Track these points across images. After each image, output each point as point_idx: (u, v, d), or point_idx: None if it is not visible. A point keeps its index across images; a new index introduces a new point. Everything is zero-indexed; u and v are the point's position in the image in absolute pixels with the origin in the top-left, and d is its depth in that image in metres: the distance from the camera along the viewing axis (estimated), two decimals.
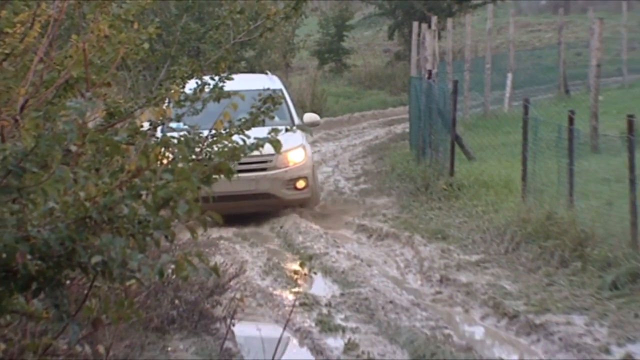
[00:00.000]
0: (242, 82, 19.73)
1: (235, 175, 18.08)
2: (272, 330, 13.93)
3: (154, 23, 8.80)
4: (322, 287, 16.52)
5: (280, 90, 21.79)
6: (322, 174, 29.66)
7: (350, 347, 13.45)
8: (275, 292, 16.34)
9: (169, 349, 12.83)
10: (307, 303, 15.47)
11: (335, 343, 13.74)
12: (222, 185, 18.06)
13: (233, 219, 20.19)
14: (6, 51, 7.15)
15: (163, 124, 8.44)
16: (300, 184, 20.02)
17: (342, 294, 15.98)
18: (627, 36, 42.39)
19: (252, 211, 20.10)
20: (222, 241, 19.56)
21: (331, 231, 21.60)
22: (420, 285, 16.80)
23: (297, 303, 15.12)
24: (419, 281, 17.12)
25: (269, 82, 22.15)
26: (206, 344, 13.09)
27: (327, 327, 14.39)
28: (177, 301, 13.37)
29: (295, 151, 20.31)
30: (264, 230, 21.36)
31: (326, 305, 15.45)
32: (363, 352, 13.25)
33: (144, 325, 11.73)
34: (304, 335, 14.08)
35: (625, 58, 40.91)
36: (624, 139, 16.72)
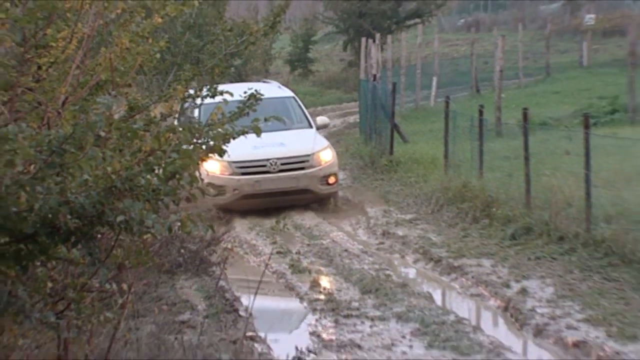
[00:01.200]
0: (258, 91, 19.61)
1: (279, 174, 17.45)
2: (255, 272, 13.90)
3: (164, 38, 8.76)
4: (293, 240, 16.50)
5: (294, 97, 20.41)
6: None
7: (314, 284, 13.47)
8: (257, 244, 16.32)
9: (177, 286, 12.81)
10: (282, 251, 15.48)
11: (303, 282, 13.74)
12: (269, 184, 17.20)
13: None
14: (51, 60, 7.10)
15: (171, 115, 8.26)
16: (332, 179, 17.98)
17: (308, 245, 15.99)
18: (522, 49, 42.50)
19: (290, 204, 17.95)
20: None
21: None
22: (367, 237, 16.77)
23: (274, 251, 15.11)
24: (366, 235, 17.10)
25: (281, 91, 20.75)
26: (205, 283, 13.09)
27: (297, 269, 14.39)
28: (182, 250, 13.37)
29: (325, 151, 18.26)
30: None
31: (296, 253, 15.45)
32: (324, 289, 13.26)
33: (157, 269, 11.72)
34: (279, 276, 14.09)
35: (521, 65, 41.00)
36: (520, 126, 16.75)
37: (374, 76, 30.21)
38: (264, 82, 22.06)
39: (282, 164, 17.48)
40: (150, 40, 7.78)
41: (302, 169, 17.76)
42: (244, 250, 15.88)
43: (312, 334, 11.27)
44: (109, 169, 6.28)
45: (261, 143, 16.33)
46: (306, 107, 33.09)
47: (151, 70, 10.54)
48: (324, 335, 11.15)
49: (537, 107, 23.73)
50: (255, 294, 8.97)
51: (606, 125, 24.05)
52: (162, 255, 12.54)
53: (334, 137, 31.20)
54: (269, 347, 10.49)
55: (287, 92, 20.53)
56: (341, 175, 22.57)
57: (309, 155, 17.84)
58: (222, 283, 12.93)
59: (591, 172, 14.13)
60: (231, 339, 10.16)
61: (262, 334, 10.75)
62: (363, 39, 36.42)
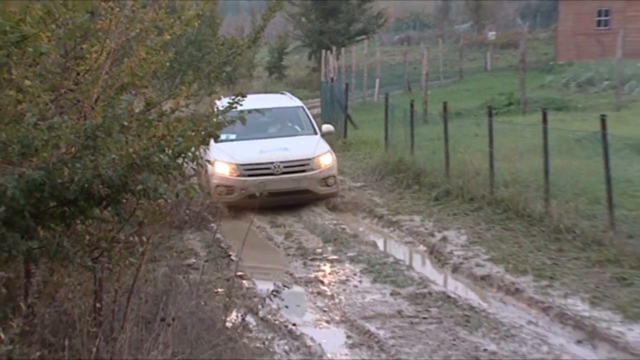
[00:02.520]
0: (270, 101, 17.44)
1: (282, 176, 14.95)
2: (243, 226, 13.86)
3: (172, 51, 8.70)
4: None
5: (302, 107, 17.45)
6: None
7: (288, 236, 13.46)
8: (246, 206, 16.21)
9: (184, 238, 12.77)
10: (265, 212, 15.41)
11: (279, 234, 13.72)
12: (273, 184, 14.67)
13: None
14: (86, 68, 7.05)
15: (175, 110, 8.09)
16: (330, 181, 15.40)
17: (283, 206, 15.93)
18: (442, 58, 42.55)
19: (292, 203, 15.46)
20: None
21: None
22: (328, 199, 16.76)
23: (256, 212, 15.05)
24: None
25: (292, 101, 17.76)
26: (205, 236, 13.05)
27: (275, 224, 14.36)
28: (187, 211, 13.31)
29: (325, 155, 15.59)
30: None
31: (272, 213, 15.38)
32: (296, 238, 13.26)
33: (169, 225, 11.67)
34: (261, 229, 14.06)
35: (441, 70, 41.06)
36: (441, 116, 16.79)
37: (332, 79, 30.18)
38: (280, 93, 19.48)
39: (285, 167, 15.04)
40: (161, 53, 7.74)
41: (304, 171, 15.24)
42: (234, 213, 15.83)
43: (286, 272, 11.27)
44: (131, 150, 6.25)
45: (267, 148, 15.30)
46: None
47: (162, 75, 10.44)
48: (295, 274, 11.16)
49: (453, 101, 23.77)
50: (243, 243, 8.94)
51: (504, 114, 24.15)
52: (172, 215, 12.51)
53: None
54: (253, 283, 10.49)
55: (297, 102, 17.76)
56: None
57: (310, 159, 15.29)
58: (218, 236, 12.90)
59: (494, 149, 14.21)
60: (225, 277, 10.15)
61: (248, 273, 10.75)
62: (323, 51, 36.40)
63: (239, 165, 15.05)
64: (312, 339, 8.45)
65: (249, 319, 8.74)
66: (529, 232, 12.12)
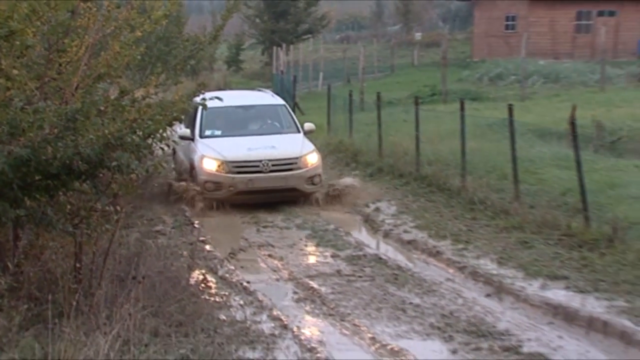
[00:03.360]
0: (251, 98, 15.25)
1: (270, 174, 12.90)
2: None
3: (143, 46, 8.58)
4: None
5: (284, 105, 15.02)
6: None
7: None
8: None
9: (153, 208, 12.65)
10: None
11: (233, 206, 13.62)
12: (262, 182, 12.83)
13: None
14: (67, 60, 6.94)
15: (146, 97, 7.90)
16: (316, 180, 13.37)
17: None
18: (376, 54, 42.61)
19: (278, 200, 13.25)
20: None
21: None
22: None
23: None
24: None
25: (273, 99, 15.33)
26: (172, 207, 12.93)
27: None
28: (156, 185, 13.16)
29: (312, 154, 13.54)
30: None
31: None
32: (249, 209, 13.18)
33: (140, 197, 11.54)
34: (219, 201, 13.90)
35: (375, 65, 41.11)
36: (375, 104, 16.84)
37: (282, 71, 30.04)
38: (259, 90, 16.72)
39: (273, 165, 13.06)
40: (133, 47, 7.64)
41: (291, 169, 13.15)
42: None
43: (241, 237, 11.24)
44: (106, 131, 6.21)
45: (255, 145, 13.29)
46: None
47: (135, 67, 10.30)
48: (249, 239, 11.14)
49: (386, 91, 23.84)
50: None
51: (428, 103, 24.29)
52: (143, 188, 12.36)
53: None
54: (214, 247, 10.45)
55: (279, 100, 15.31)
56: None
57: (297, 158, 13.26)
58: (183, 206, 12.80)
59: (419, 133, 14.29)
60: (189, 241, 10.09)
61: (209, 238, 10.71)
62: (274, 48, 36.18)
63: (227, 162, 13.05)
64: (263, 294, 8.46)
65: (210, 277, 8.71)
66: (449, 203, 12.23)
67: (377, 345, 7.04)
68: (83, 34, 7.12)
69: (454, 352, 6.76)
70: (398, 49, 46.55)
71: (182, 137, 13.28)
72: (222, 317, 7.49)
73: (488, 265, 9.09)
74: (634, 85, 28.21)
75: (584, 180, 9.76)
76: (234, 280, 8.98)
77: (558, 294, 7.75)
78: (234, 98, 14.52)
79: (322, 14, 47.60)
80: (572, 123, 10.14)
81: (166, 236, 9.59)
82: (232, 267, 9.31)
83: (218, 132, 13.89)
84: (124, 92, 7.27)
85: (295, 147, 13.57)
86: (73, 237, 6.56)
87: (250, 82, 43.04)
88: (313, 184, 13.30)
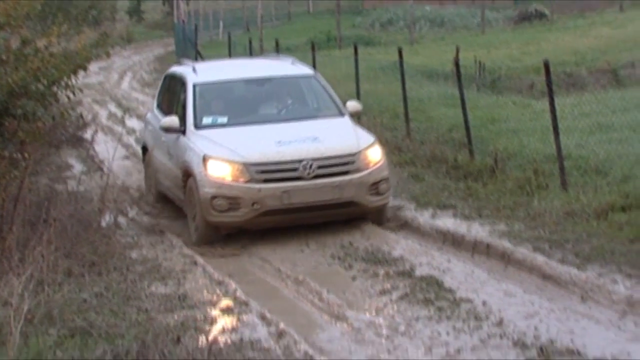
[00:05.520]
0: (263, 68, 9.63)
1: (315, 181, 7.83)
2: (111, 144, 13.44)
3: None
4: (136, 123, 15.90)
5: (314, 77, 9.32)
6: (137, 64, 28.29)
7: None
8: (114, 127, 15.67)
9: (62, 155, 12.28)
10: (129, 131, 14.99)
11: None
12: (303, 195, 7.78)
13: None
14: None
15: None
16: (383, 187, 8.23)
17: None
18: (274, 3, 42.05)
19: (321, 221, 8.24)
20: (86, 99, 16.67)
21: (135, 94, 20.67)
22: None
23: (124, 131, 14.64)
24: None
25: (296, 69, 9.45)
26: (80, 153, 12.56)
27: (140, 141, 13.98)
28: (64, 132, 12.75)
29: (374, 149, 8.35)
30: (106, 98, 20.25)
31: (139, 132, 14.90)
32: None
33: (48, 144, 11.16)
34: (129, 146, 13.67)
35: (273, 13, 40.65)
36: (274, 50, 16.72)
37: (183, 21, 29.38)
38: (277, 57, 10.52)
39: (319, 168, 7.97)
40: None
41: (346, 173, 8.04)
42: (104, 132, 15.28)
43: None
44: (10, 80, 6.02)
45: (287, 137, 8.20)
46: (142, 41, 28.05)
47: (36, 17, 9.87)
48: None
49: (284, 39, 23.63)
50: (113, 158, 8.76)
51: (324, 49, 24.22)
52: (50, 135, 11.95)
53: (159, 59, 30.19)
54: (122, 190, 10.24)
55: (304, 70, 9.51)
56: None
57: (354, 155, 8.13)
58: (91, 152, 12.49)
59: None
60: (99, 186, 9.87)
61: (118, 182, 10.50)
62: None
63: (248, 166, 7.93)
64: (173, 234, 8.41)
65: (121, 220, 8.59)
66: None
67: (283, 276, 7.14)
68: None
69: (354, 278, 6.91)
70: None
71: (166, 129, 8.64)
72: (134, 256, 7.43)
73: None
74: (510, 27, 29.00)
75: (468, 116, 10.02)
76: (144, 222, 8.88)
77: (447, 222, 7.99)
78: (240, 68, 9.64)
79: None
80: (457, 64, 10.38)
81: (76, 181, 9.33)
82: (142, 210, 9.20)
83: (223, 120, 8.65)
84: (26, 42, 7.01)
85: (348, 138, 8.43)
86: None
87: (152, 32, 41.97)
88: (378, 193, 8.23)
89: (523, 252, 6.94)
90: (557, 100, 8.56)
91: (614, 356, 5.00)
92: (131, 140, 14.13)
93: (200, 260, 7.46)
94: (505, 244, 7.18)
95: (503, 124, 11.21)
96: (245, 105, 8.96)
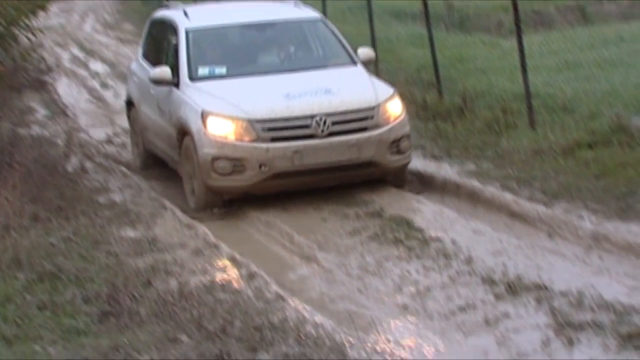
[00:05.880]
0: (264, 11, 8.58)
1: (330, 140, 7.08)
2: (77, 89, 13.23)
3: None
4: (100, 67, 15.56)
5: (321, 20, 8.49)
6: (99, 6, 27.32)
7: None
8: (78, 71, 15.33)
9: (25, 100, 12.03)
10: (92, 75, 14.69)
11: (108, 93, 13.17)
12: (317, 154, 7.07)
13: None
14: None
15: None
16: (404, 144, 7.42)
17: (109, 71, 15.16)
18: None
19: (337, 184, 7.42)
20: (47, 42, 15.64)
21: (98, 36, 20.14)
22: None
23: (88, 75, 14.38)
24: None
25: (300, 12, 8.46)
26: (43, 97, 12.32)
27: (104, 84, 13.78)
28: (26, 75, 12.46)
29: (394, 102, 7.50)
30: (68, 41, 19.69)
31: (103, 75, 14.64)
32: (117, 91, 12.71)
33: (9, 88, 10.93)
34: (93, 90, 13.44)
35: None
36: None
37: None
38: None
39: (335, 123, 7.23)
40: None
41: (365, 129, 7.27)
42: (67, 75, 14.96)
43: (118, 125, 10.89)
44: None
45: (296, 90, 7.40)
46: None
47: None
48: (123, 124, 10.83)
49: None
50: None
51: None
52: (12, 78, 11.69)
53: (123, 1, 29.27)
54: (88, 134, 10.12)
55: (310, 13, 8.54)
56: (130, 27, 20.43)
57: (372, 109, 7.34)
58: (55, 96, 12.27)
59: None
60: (64, 130, 9.72)
61: (83, 126, 10.36)
62: None
63: (253, 122, 7.16)
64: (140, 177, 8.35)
65: (87, 164, 8.48)
66: None
67: (252, 218, 7.14)
68: None
69: (324, 220, 6.93)
70: None
71: (156, 82, 7.83)
72: (102, 200, 7.37)
73: None
74: None
75: (437, 56, 9.97)
76: (111, 166, 8.78)
77: (416, 163, 8.00)
78: (237, 12, 8.64)
79: None
80: (425, 3, 10.27)
81: (40, 125, 9.18)
82: (110, 153, 9.09)
83: (221, 70, 7.83)
84: None
85: (365, 89, 7.59)
86: None
87: None
88: (400, 151, 7.45)
89: (492, 190, 7.00)
90: (525, 39, 8.54)
91: (579, 289, 5.10)
92: (95, 83, 13.89)
93: (169, 204, 7.41)
94: (474, 183, 7.23)
95: (472, 63, 11.19)
96: (244, 53, 8.08)
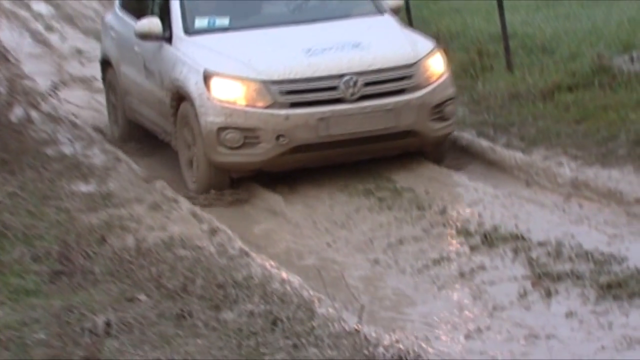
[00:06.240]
0: None
1: (362, 104, 6.12)
2: (17, 31, 12.89)
3: None
4: (44, 7, 14.89)
5: None
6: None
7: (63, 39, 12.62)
8: (19, 12, 14.64)
9: None
10: (35, 16, 14.23)
11: (54, 37, 12.83)
12: (346, 123, 6.13)
13: None
14: None
15: None
16: (449, 110, 6.41)
17: (54, 12, 14.67)
18: None
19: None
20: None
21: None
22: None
23: (30, 16, 13.91)
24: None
25: None
26: None
27: (49, 27, 13.34)
28: None
29: (435, 57, 6.44)
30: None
31: (47, 17, 14.16)
32: (63, 34, 12.43)
33: None
34: (37, 33, 13.03)
35: None
36: None
37: None
38: None
39: (367, 84, 6.22)
40: None
41: (403, 91, 6.28)
42: (8, 18, 14.48)
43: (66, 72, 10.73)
44: None
45: (318, 43, 6.43)
46: None
47: None
48: (73, 73, 10.68)
49: None
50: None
51: None
52: None
53: None
54: (34, 81, 9.91)
55: None
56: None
57: (411, 66, 6.33)
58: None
59: None
60: (5, 77, 9.50)
61: (27, 73, 10.16)
62: None
63: (268, 84, 6.22)
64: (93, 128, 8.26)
65: (33, 114, 8.34)
66: None
67: None
68: None
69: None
70: None
71: (143, 36, 6.84)
72: (50, 153, 7.28)
73: None
74: None
75: None
76: (59, 116, 8.65)
77: None
78: None
79: None
80: None
81: None
82: (57, 103, 8.93)
83: (223, 22, 6.85)
84: None
85: (400, 43, 6.63)
86: None
87: None
88: (443, 118, 6.53)
89: (467, 137, 7.03)
90: None
91: (558, 239, 5.18)
92: (39, 26, 13.57)
93: (123, 156, 7.34)
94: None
95: (445, 2, 11.12)
96: (249, 1, 7.01)
